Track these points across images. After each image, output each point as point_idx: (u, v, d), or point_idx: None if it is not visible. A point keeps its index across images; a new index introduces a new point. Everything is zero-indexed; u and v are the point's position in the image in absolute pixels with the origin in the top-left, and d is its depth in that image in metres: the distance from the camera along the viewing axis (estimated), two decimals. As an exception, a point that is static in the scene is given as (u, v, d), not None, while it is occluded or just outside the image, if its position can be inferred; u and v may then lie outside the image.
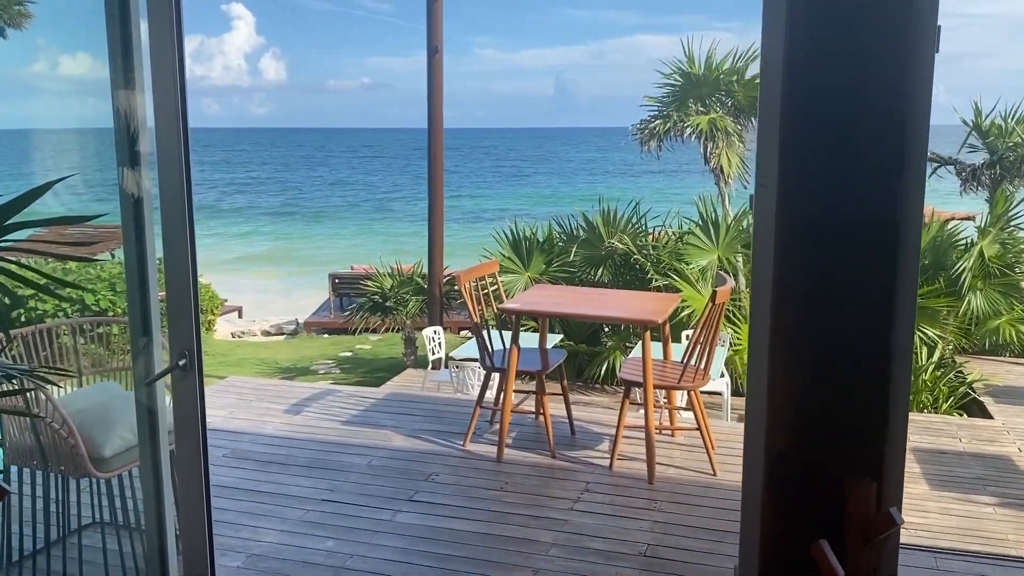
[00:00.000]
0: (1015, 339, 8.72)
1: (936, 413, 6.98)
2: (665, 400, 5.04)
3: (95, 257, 11.32)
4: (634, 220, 9.48)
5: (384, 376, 10.00)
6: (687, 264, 8.68)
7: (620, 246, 9.15)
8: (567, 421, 4.98)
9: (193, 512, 2.79)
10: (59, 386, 3.34)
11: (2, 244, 2.01)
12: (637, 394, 4.53)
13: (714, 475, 4.30)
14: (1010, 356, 9.11)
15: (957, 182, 10.35)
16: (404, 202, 44.14)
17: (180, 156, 2.50)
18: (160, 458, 2.89)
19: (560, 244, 9.68)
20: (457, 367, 6.55)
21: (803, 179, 1.96)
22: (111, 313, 10.79)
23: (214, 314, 15.39)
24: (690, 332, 7.29)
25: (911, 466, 4.83)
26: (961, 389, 7.45)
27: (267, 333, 15.85)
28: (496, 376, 4.92)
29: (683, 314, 7.99)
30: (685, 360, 4.28)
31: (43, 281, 2.37)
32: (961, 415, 6.94)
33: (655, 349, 4.47)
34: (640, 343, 7.57)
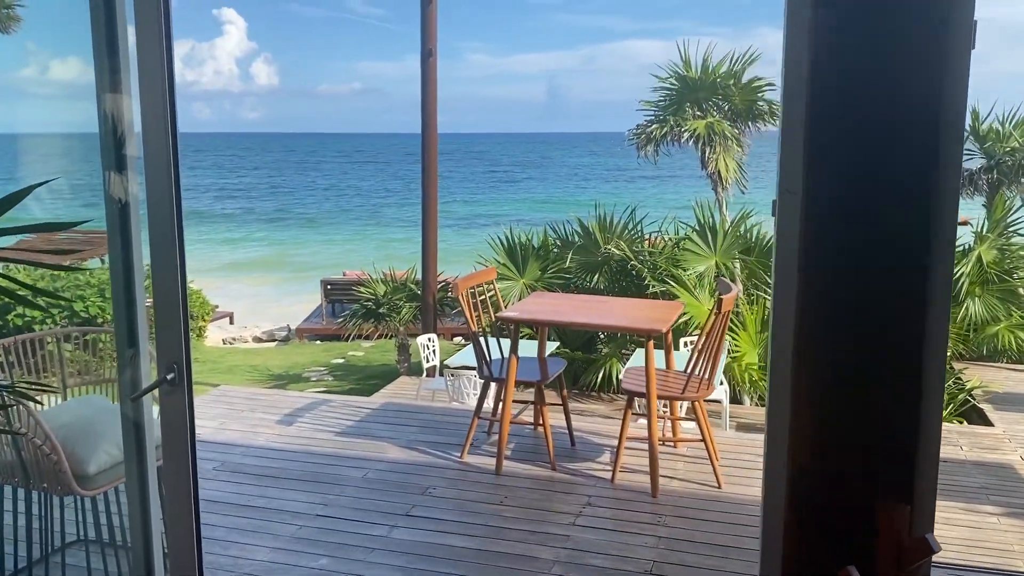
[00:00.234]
0: (1014, 345, 8.67)
1: (937, 421, 6.90)
2: (666, 410, 4.93)
3: (80, 265, 11.16)
4: (630, 226, 9.40)
5: (377, 383, 9.87)
6: (684, 270, 8.60)
7: (616, 252, 9.06)
8: (567, 432, 4.87)
9: (181, 529, 2.66)
10: (40, 403, 3.22)
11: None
12: (636, 404, 4.41)
13: (719, 487, 4.20)
14: (1007, 362, 9.06)
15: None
16: (396, 208, 44.02)
17: (168, 160, 2.38)
18: (147, 474, 2.77)
19: (555, 250, 9.59)
20: (452, 375, 6.44)
21: (831, 185, 1.86)
22: (100, 320, 10.63)
23: (205, 320, 15.23)
24: (687, 339, 7.22)
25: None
26: (960, 396, 7.38)
27: (258, 339, 15.69)
28: (494, 385, 4.80)
29: (679, 321, 7.90)
30: (690, 370, 4.18)
31: (21, 291, 2.24)
32: (961, 423, 6.87)
33: (656, 358, 4.35)
34: (638, 351, 7.54)
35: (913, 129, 1.79)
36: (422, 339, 7.68)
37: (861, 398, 1.91)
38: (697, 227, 8.96)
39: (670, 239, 9.48)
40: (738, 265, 8.80)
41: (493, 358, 4.65)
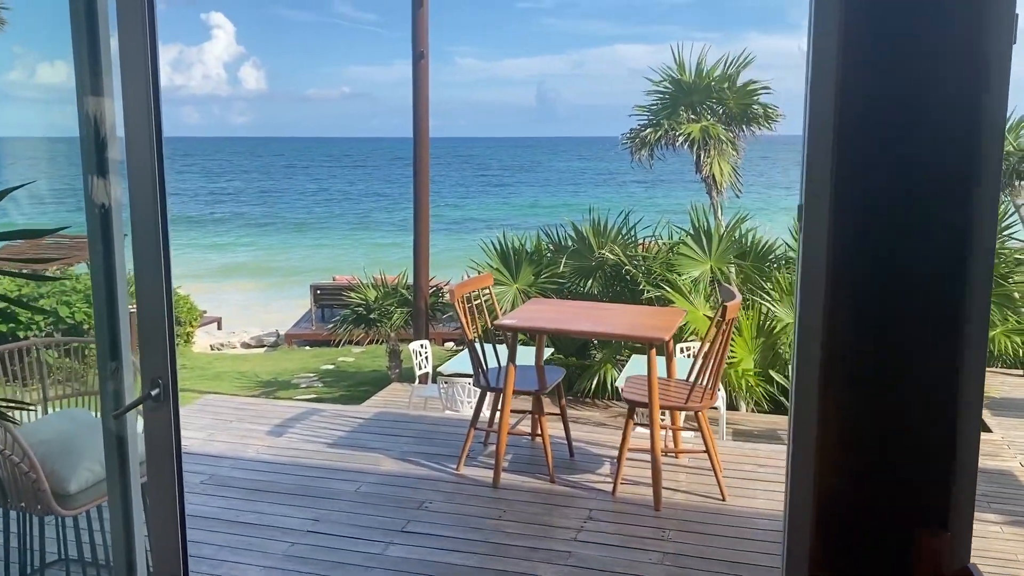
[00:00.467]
0: (1010, 350, 8.62)
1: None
2: (668, 420, 4.81)
3: (66, 270, 10.96)
4: (624, 231, 9.30)
5: (368, 390, 9.71)
6: (679, 275, 8.50)
7: (611, 256, 8.95)
8: (565, 442, 4.74)
9: (167, 549, 2.52)
10: (15, 422, 3.07)
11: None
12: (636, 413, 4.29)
13: (723, 500, 4.08)
14: (1003, 367, 9.00)
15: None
16: (386, 212, 43.82)
17: (153, 164, 2.25)
18: (130, 491, 2.62)
19: (548, 255, 9.48)
20: (446, 383, 6.30)
21: (862, 189, 1.74)
22: (87, 326, 10.44)
23: (192, 326, 15.03)
24: (683, 345, 7.12)
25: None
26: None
27: (247, 345, 15.49)
28: (490, 395, 4.67)
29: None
30: (694, 379, 4.07)
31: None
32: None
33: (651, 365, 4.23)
34: (634, 357, 7.43)
35: (951, 129, 1.68)
36: (414, 345, 7.54)
37: (894, 416, 1.79)
38: (692, 231, 8.87)
39: (664, 244, 9.38)
40: (733, 270, 8.71)
41: (489, 367, 4.52)
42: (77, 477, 2.91)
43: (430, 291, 10.06)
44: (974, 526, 3.66)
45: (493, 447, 4.72)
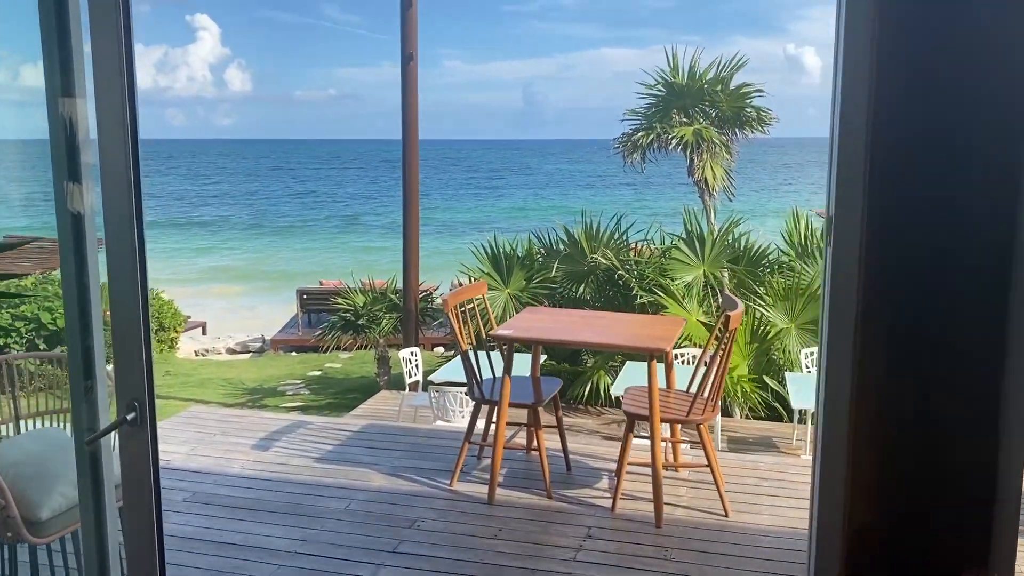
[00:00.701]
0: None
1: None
2: (667, 432, 4.67)
3: (48, 275, 10.71)
4: (616, 235, 9.18)
5: (357, 398, 9.54)
6: (672, 280, 8.39)
7: (603, 261, 8.83)
8: (562, 455, 4.60)
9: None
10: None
11: None
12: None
13: (726, 516, 3.95)
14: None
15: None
16: (375, 215, 43.56)
17: (128, 169, 2.09)
18: (104, 517, 2.46)
19: (540, 259, 9.34)
20: (437, 391, 6.14)
21: (897, 202, 1.61)
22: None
23: (177, 331, 14.80)
24: (677, 351, 6.99)
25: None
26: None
27: (232, 351, 15.27)
28: (484, 406, 4.51)
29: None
30: (697, 391, 3.93)
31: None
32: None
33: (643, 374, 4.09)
34: (628, 364, 7.30)
35: (995, 134, 1.55)
36: (404, 353, 7.38)
37: (932, 452, 1.66)
38: (685, 235, 8.76)
39: (656, 248, 9.27)
40: (727, 274, 8.60)
41: (483, 377, 4.37)
42: (50, 502, 2.75)
43: (420, 296, 9.90)
44: (1017, 566, 3.54)
45: (487, 461, 4.57)
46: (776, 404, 7.94)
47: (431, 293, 10.73)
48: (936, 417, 1.65)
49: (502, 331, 4.15)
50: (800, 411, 6.65)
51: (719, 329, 3.87)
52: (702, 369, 4.27)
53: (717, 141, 8.95)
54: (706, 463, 4.03)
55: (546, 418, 4.77)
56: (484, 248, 9.22)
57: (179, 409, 6.49)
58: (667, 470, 4.45)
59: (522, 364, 5.05)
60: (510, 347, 4.12)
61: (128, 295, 2.18)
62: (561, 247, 9.31)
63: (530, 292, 8.97)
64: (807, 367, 7.24)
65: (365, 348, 11.76)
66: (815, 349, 7.37)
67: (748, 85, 9.06)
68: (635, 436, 4.15)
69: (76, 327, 2.35)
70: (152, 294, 14.66)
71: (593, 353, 8.53)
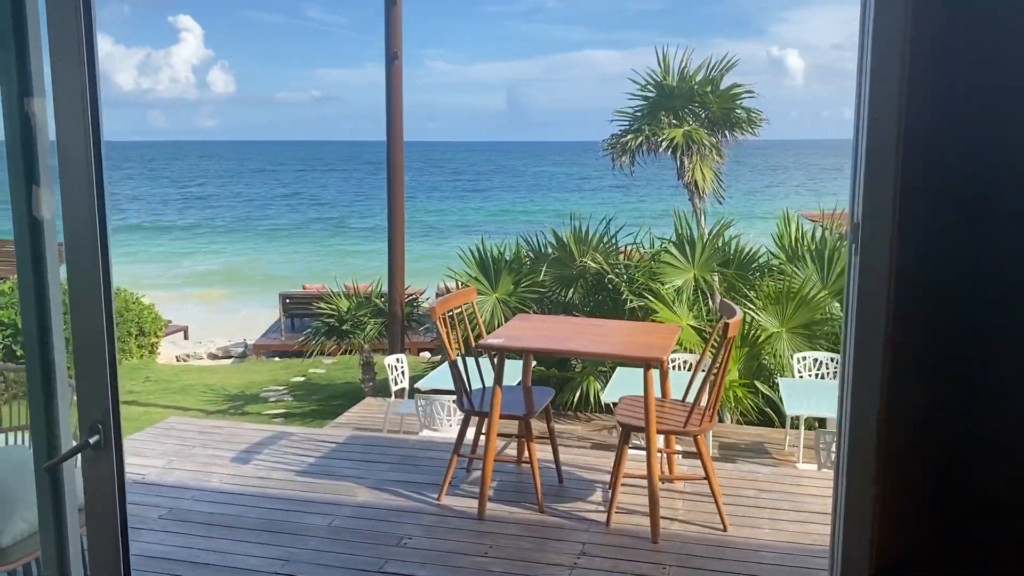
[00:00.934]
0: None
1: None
2: (662, 442, 4.53)
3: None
4: (605, 238, 9.04)
5: (341, 404, 9.34)
6: (662, 284, 8.26)
7: (593, 265, 8.69)
8: (554, 466, 4.45)
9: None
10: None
11: None
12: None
13: (724, 531, 3.81)
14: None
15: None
16: (360, 217, 43.26)
17: (90, 171, 1.93)
18: (66, 543, 2.28)
19: (528, 262, 9.19)
20: (424, 400, 5.98)
21: (932, 208, 1.47)
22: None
23: (157, 336, 14.52)
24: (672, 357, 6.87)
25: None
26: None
27: (214, 356, 15.01)
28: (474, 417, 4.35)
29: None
30: (694, 401, 3.80)
31: None
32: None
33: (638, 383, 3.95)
34: (619, 370, 7.16)
35: (1048, 135, 1.41)
36: (390, 360, 7.20)
37: (968, 469, 1.52)
38: (675, 239, 8.64)
39: (646, 251, 9.14)
40: (717, 278, 8.49)
41: (473, 387, 4.22)
42: (10, 528, 2.56)
43: (406, 300, 9.72)
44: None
45: (477, 473, 4.41)
46: (768, 409, 7.83)
47: (417, 297, 10.55)
48: (978, 444, 1.51)
49: (492, 340, 3.99)
50: (793, 417, 6.54)
51: (717, 337, 3.73)
52: (698, 377, 4.13)
53: (707, 143, 8.84)
54: (703, 475, 3.90)
55: (537, 425, 4.62)
56: (472, 252, 9.06)
57: (158, 418, 6.30)
58: (663, 482, 4.31)
59: (512, 369, 4.90)
60: (501, 357, 3.97)
61: (90, 307, 2.01)
62: (550, 250, 9.17)
63: (518, 296, 8.82)
64: (799, 372, 7.13)
65: (349, 353, 11.55)
66: (808, 354, 7.26)
67: (738, 86, 8.96)
68: (629, 447, 4.01)
69: (35, 341, 2.17)
70: (132, 298, 14.37)
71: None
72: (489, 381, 4.19)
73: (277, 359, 14.10)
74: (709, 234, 8.69)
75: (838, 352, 7.64)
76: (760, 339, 7.86)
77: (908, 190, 1.47)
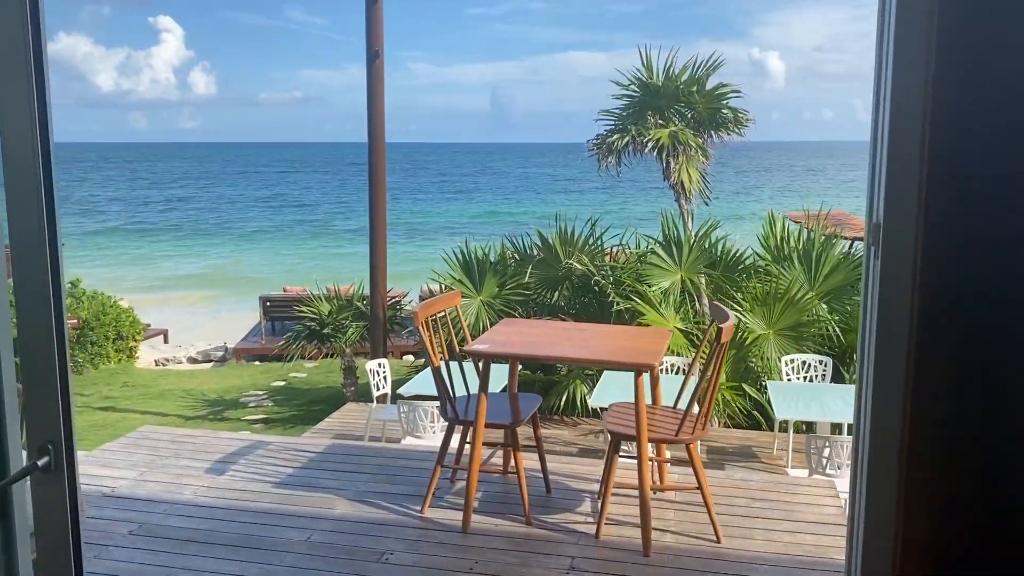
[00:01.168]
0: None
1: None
2: (653, 451, 4.40)
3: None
4: (591, 240, 8.92)
5: (322, 409, 9.15)
6: (649, 286, 8.15)
7: (578, 267, 8.56)
8: (541, 476, 4.31)
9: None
10: None
11: None
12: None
13: (718, 542, 3.68)
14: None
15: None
16: (343, 218, 42.95)
17: (37, 168, 1.77)
18: (16, 571, 2.11)
19: (512, 264, 9.05)
20: (406, 407, 5.82)
21: (961, 206, 1.34)
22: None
23: (136, 340, 14.26)
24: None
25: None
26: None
27: (193, 360, 14.75)
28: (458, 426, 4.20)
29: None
30: (686, 409, 3.67)
31: None
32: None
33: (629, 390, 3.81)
34: (607, 373, 7.02)
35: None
36: (372, 364, 7.04)
37: (997, 506, 1.40)
38: (662, 240, 8.53)
39: (632, 253, 9.03)
40: (703, 280, 8.39)
41: (457, 395, 4.07)
42: (-41, 552, 2.39)
43: (388, 303, 9.55)
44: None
45: (462, 484, 4.26)
46: (756, 413, 7.73)
47: (400, 300, 10.38)
48: (1006, 467, 1.38)
49: (478, 346, 3.84)
50: (782, 422, 6.44)
51: (709, 342, 3.61)
52: (690, 383, 4.01)
53: (693, 144, 8.73)
54: (696, 485, 3.77)
55: (523, 430, 4.47)
56: (455, 254, 8.91)
57: (134, 425, 6.11)
58: (654, 492, 4.18)
59: (497, 374, 4.75)
60: (486, 364, 3.82)
61: (39, 317, 1.85)
62: (535, 252, 9.04)
63: (503, 299, 8.67)
64: (787, 375, 7.04)
65: (331, 357, 11.35)
66: (796, 356, 7.17)
67: (724, 86, 8.86)
68: (619, 456, 3.88)
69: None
70: (110, 302, 14.10)
71: (568, 362, 8.25)
72: (474, 387, 4.05)
73: (257, 363, 13.87)
74: (696, 235, 8.59)
75: (826, 354, 7.57)
76: (747, 341, 7.76)
77: (934, 186, 1.34)
